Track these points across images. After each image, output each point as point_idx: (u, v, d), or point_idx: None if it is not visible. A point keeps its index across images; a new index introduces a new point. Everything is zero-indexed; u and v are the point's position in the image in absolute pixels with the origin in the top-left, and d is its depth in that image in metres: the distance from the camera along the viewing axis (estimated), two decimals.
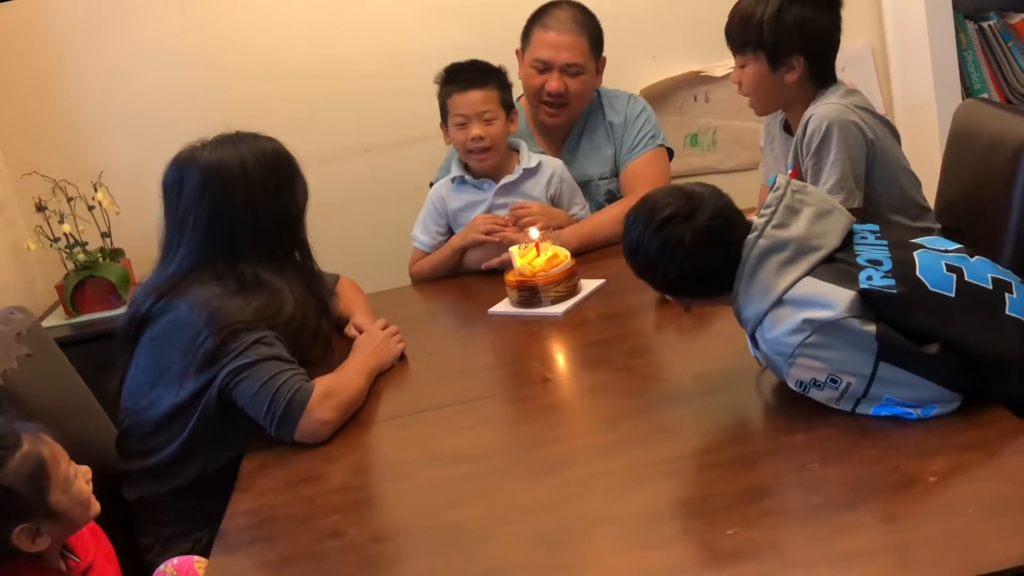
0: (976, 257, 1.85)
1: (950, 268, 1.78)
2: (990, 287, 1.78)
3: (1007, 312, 1.76)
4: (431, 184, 3.12)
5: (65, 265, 3.35)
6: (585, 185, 3.11)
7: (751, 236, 1.80)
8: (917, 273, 1.76)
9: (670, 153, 3.19)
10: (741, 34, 2.46)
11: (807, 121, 2.40)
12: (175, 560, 2.13)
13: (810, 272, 1.77)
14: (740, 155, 3.57)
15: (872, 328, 1.69)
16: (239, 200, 2.24)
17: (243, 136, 2.31)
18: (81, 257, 3.28)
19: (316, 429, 2.10)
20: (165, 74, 3.45)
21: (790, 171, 2.48)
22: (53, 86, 3.44)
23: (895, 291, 1.72)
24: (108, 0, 3.40)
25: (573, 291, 2.59)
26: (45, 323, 3.19)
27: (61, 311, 3.33)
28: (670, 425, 1.90)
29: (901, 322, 1.71)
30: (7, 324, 2.33)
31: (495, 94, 2.90)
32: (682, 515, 1.65)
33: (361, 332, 2.48)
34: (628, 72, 3.41)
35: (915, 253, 1.81)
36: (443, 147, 3.10)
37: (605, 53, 3.13)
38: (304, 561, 1.71)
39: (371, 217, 3.54)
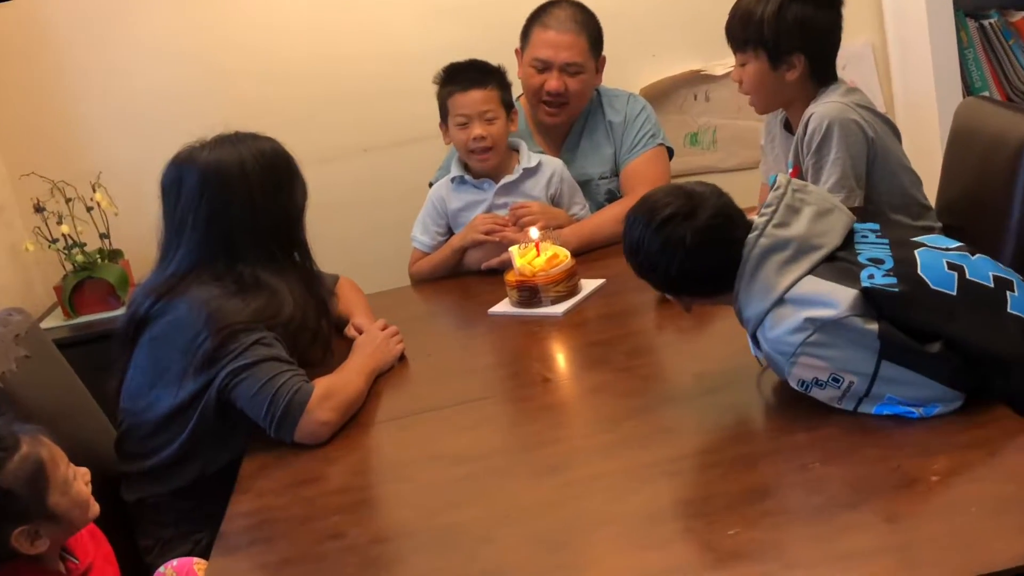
0: (977, 255, 1.85)
1: (951, 266, 1.78)
2: (991, 285, 1.78)
3: (1009, 310, 1.76)
4: (430, 184, 3.12)
5: (63, 266, 3.34)
6: (585, 184, 3.10)
7: (752, 235, 1.79)
8: (919, 271, 1.76)
9: (670, 152, 3.18)
10: (742, 32, 2.46)
11: (808, 120, 2.40)
12: (175, 562, 2.13)
13: (812, 271, 1.76)
14: (740, 154, 3.57)
15: (874, 327, 1.69)
16: (238, 200, 2.24)
17: (242, 136, 2.31)
18: (79, 258, 3.27)
19: (316, 430, 2.09)
20: (163, 74, 3.44)
21: (791, 170, 2.48)
22: (51, 86, 3.44)
23: (897, 289, 1.72)
24: (106, 0, 3.40)
25: (573, 291, 2.58)
26: (43, 324, 3.19)
27: (60, 312, 3.32)
28: (671, 425, 1.90)
29: (903, 321, 1.70)
30: (5, 326, 2.32)
31: (496, 93, 2.90)
32: (683, 515, 1.65)
33: (361, 333, 2.47)
34: (628, 71, 3.41)
35: (916, 251, 1.81)
36: (442, 147, 3.09)
37: (605, 52, 3.12)
38: (304, 562, 1.71)
39: (370, 217, 3.53)
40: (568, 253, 2.62)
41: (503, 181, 2.95)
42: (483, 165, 2.94)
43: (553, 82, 3.04)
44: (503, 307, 2.63)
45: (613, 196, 3.14)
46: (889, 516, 1.51)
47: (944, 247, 1.85)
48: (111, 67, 3.44)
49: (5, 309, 2.45)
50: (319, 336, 2.35)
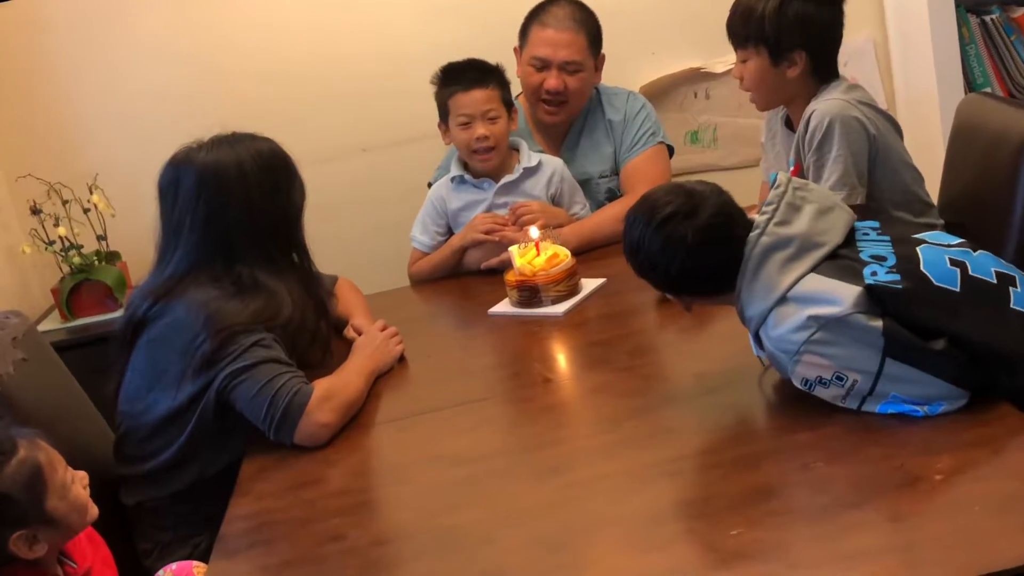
0: (979, 252, 1.84)
1: (954, 263, 1.78)
2: (994, 281, 1.78)
3: (1012, 306, 1.75)
4: (429, 184, 3.11)
5: (60, 268, 3.33)
6: (585, 183, 3.09)
7: (753, 234, 1.79)
8: (921, 268, 1.76)
9: (670, 150, 3.18)
10: (743, 28, 2.45)
11: (809, 117, 2.39)
12: (174, 565, 2.11)
13: (814, 269, 1.76)
14: (741, 152, 3.56)
15: (878, 324, 1.68)
16: (236, 201, 2.23)
17: (239, 137, 2.30)
18: (77, 260, 3.26)
19: (315, 432, 2.08)
20: (160, 75, 3.43)
21: (792, 167, 2.47)
22: (47, 87, 3.43)
23: (900, 286, 1.71)
24: (103, 0, 3.39)
25: (573, 291, 2.58)
26: (41, 327, 3.18)
27: (57, 315, 3.31)
28: (672, 425, 1.89)
29: (906, 318, 1.69)
30: (2, 328, 2.32)
31: (497, 92, 2.89)
32: (685, 516, 1.64)
33: (360, 334, 2.47)
34: (627, 69, 3.40)
35: (918, 248, 1.81)
36: (441, 147, 3.08)
37: (604, 50, 3.11)
38: (304, 565, 1.70)
39: (369, 217, 3.53)
40: (568, 252, 2.62)
41: (503, 180, 2.94)
42: (485, 165, 2.93)
43: (552, 81, 3.03)
44: (503, 307, 2.62)
45: (613, 195, 3.14)
46: (893, 515, 1.50)
47: (946, 244, 1.85)
48: (108, 67, 3.43)
49: (2, 312, 2.44)
50: (318, 337, 2.34)
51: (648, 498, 1.68)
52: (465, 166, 2.99)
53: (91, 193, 3.25)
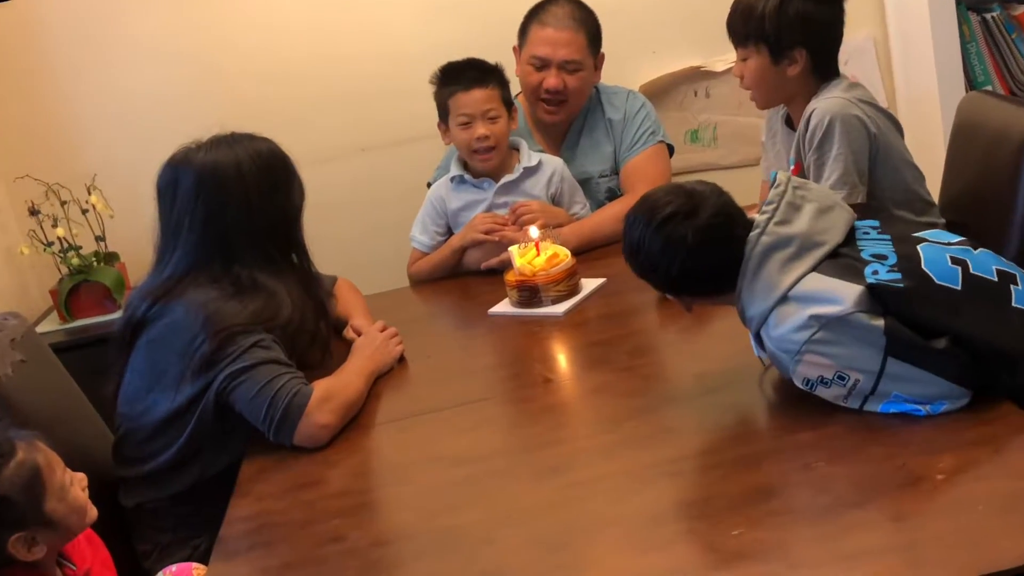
0: (979, 249, 1.84)
1: (955, 261, 1.78)
2: (995, 279, 1.77)
3: (1013, 304, 1.75)
4: (428, 184, 3.10)
5: (59, 270, 3.33)
6: (585, 183, 3.09)
7: (754, 233, 1.78)
8: (923, 266, 1.75)
9: (670, 149, 3.17)
10: (743, 27, 2.45)
11: (809, 115, 2.39)
12: (173, 567, 2.11)
13: (815, 268, 1.75)
14: (741, 151, 3.55)
15: (880, 323, 1.68)
16: (234, 202, 2.23)
17: (238, 137, 2.29)
18: (75, 261, 3.26)
19: (315, 433, 2.08)
20: (158, 75, 3.43)
21: (792, 166, 2.47)
22: (45, 87, 3.42)
23: (902, 285, 1.71)
24: (101, 0, 3.38)
25: (574, 290, 2.57)
26: (39, 328, 3.17)
27: (55, 316, 3.31)
28: (673, 425, 1.89)
29: (908, 316, 1.69)
30: (1, 330, 2.31)
31: (497, 92, 2.89)
32: (686, 516, 1.64)
33: (359, 334, 2.46)
34: (627, 68, 3.39)
35: (919, 247, 1.80)
36: (441, 146, 3.08)
37: (604, 49, 3.11)
38: (304, 566, 1.70)
39: (369, 218, 3.52)
40: (568, 252, 2.61)
41: (503, 180, 2.94)
42: (486, 164, 2.92)
43: (552, 80, 3.02)
44: (503, 307, 2.61)
45: (613, 194, 3.13)
46: (895, 515, 1.50)
47: (946, 242, 1.85)
48: (106, 68, 3.42)
49: (0, 313, 2.43)
50: (318, 338, 2.34)
51: (648, 498, 1.67)
52: (465, 166, 2.98)
53: (89, 194, 3.25)
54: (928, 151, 2.92)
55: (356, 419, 2.16)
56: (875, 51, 3.53)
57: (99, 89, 3.44)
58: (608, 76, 3.17)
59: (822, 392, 1.75)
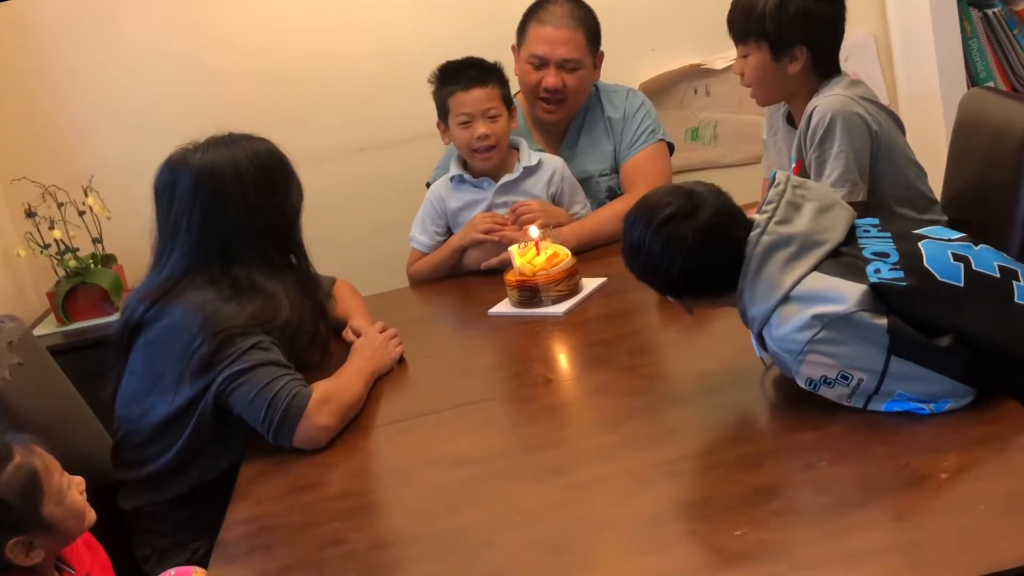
0: (981, 245, 1.84)
1: (957, 257, 1.77)
2: (998, 275, 1.77)
3: (1016, 300, 1.75)
4: (428, 184, 3.09)
5: (56, 272, 3.33)
6: (585, 182, 3.08)
7: (754, 233, 1.77)
8: (925, 264, 1.75)
9: (670, 147, 3.16)
10: (743, 24, 2.44)
11: (810, 113, 2.39)
12: (173, 571, 2.11)
13: (817, 267, 1.75)
14: (742, 149, 3.54)
15: (883, 321, 1.67)
16: (232, 203, 2.22)
17: (236, 138, 2.29)
18: (72, 263, 3.25)
19: (314, 435, 2.07)
20: (155, 75, 3.42)
21: (794, 164, 2.46)
22: (41, 88, 3.42)
23: (905, 283, 1.70)
24: (98, 1, 3.38)
25: (574, 290, 2.56)
26: (36, 331, 3.16)
27: (52, 319, 3.30)
28: (674, 425, 1.88)
29: (911, 315, 1.68)
30: None
31: (497, 91, 2.88)
32: (688, 517, 1.63)
33: (359, 335, 2.45)
34: (626, 66, 3.38)
35: (920, 244, 1.80)
36: (440, 146, 3.07)
37: (603, 47, 3.10)
38: (304, 569, 1.70)
39: (367, 218, 3.52)
40: (568, 252, 2.60)
41: (503, 180, 2.93)
42: (486, 164, 2.92)
43: (551, 79, 3.01)
44: (503, 307, 2.61)
45: (614, 193, 3.12)
46: (898, 515, 1.49)
47: (947, 238, 1.84)
48: (102, 68, 3.42)
49: None
50: (317, 339, 2.33)
51: (650, 499, 1.66)
52: (464, 165, 2.97)
53: (86, 195, 3.25)
54: (930, 148, 2.92)
55: (356, 421, 2.15)
56: (876, 47, 3.52)
57: (96, 90, 3.43)
58: (607, 74, 3.16)
59: (825, 392, 1.74)
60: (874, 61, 3.52)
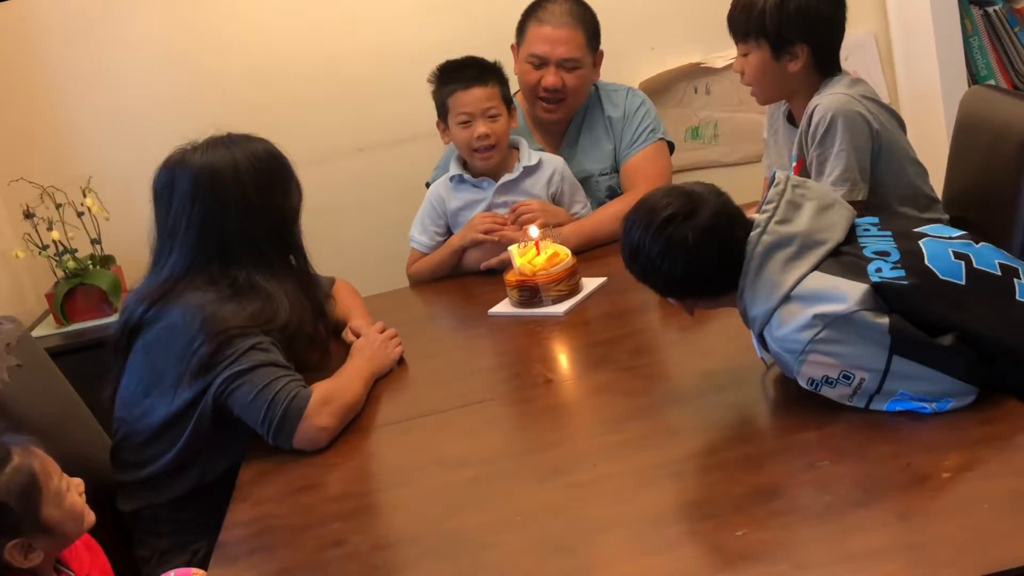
0: (981, 243, 1.83)
1: (958, 255, 1.77)
2: (999, 273, 1.77)
3: (1018, 298, 1.74)
4: (427, 184, 3.09)
5: (55, 273, 3.32)
6: (585, 181, 3.07)
7: (754, 233, 1.77)
8: (926, 262, 1.74)
9: (671, 147, 3.16)
10: (744, 22, 2.44)
11: (811, 112, 2.38)
12: (173, 573, 2.10)
13: (817, 266, 1.74)
14: (743, 148, 3.54)
15: (885, 320, 1.67)
16: (231, 203, 2.22)
17: (235, 138, 2.29)
18: (71, 264, 3.25)
19: (314, 436, 2.07)
20: (154, 76, 3.42)
21: (794, 163, 2.45)
22: (40, 89, 3.41)
23: (907, 282, 1.69)
24: (95, 1, 3.37)
25: (574, 290, 2.56)
26: (35, 332, 3.16)
27: (51, 320, 3.30)
28: (676, 425, 1.88)
29: (913, 313, 1.68)
30: None
31: (497, 90, 2.87)
32: (690, 517, 1.62)
33: (358, 336, 2.45)
34: (626, 65, 3.38)
35: (921, 242, 1.80)
36: (439, 145, 3.07)
37: (602, 46, 3.09)
38: (305, 571, 1.69)
39: (367, 218, 3.51)
40: (568, 251, 2.60)
41: (503, 179, 2.92)
42: (486, 163, 2.91)
43: (550, 78, 3.01)
44: (503, 307, 2.60)
45: (614, 192, 3.12)
46: (900, 514, 1.49)
47: (948, 236, 1.84)
48: (100, 69, 3.41)
49: None
50: (316, 340, 2.33)
51: (652, 499, 1.66)
52: (464, 165, 2.97)
53: (85, 196, 3.24)
54: (931, 147, 2.91)
55: (356, 421, 2.15)
56: (876, 46, 3.52)
57: (94, 90, 3.43)
58: (607, 73, 3.16)
59: (827, 392, 1.74)
60: (875, 60, 3.51)
